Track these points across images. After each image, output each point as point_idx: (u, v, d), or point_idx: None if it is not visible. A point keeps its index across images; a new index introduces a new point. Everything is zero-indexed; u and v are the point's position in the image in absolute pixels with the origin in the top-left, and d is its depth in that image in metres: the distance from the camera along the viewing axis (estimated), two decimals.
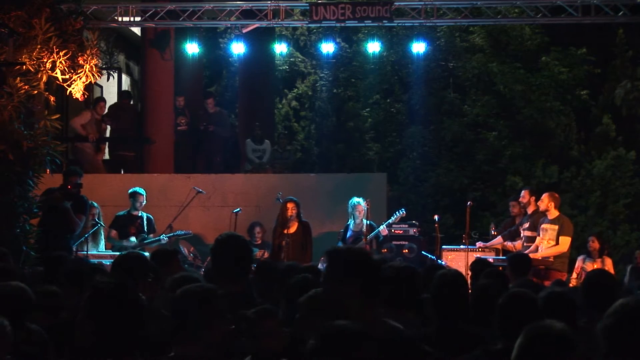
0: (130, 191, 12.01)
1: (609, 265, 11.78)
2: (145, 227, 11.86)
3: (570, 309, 4.58)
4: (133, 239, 11.73)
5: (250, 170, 14.89)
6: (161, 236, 11.71)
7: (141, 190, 11.97)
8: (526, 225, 11.30)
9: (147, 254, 6.94)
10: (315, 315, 3.93)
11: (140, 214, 11.93)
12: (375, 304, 3.50)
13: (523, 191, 11.69)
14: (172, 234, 11.84)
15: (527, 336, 2.91)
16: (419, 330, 4.22)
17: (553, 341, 2.88)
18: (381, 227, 11.60)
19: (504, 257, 11.40)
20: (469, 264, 11.15)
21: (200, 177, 13.81)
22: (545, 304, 4.48)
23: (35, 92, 10.56)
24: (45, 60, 10.54)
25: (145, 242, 11.66)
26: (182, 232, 11.96)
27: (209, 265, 10.19)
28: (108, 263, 9.45)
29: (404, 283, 4.38)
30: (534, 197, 11.35)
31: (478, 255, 11.17)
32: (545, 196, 10.97)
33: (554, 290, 4.74)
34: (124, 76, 17.86)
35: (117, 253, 10.59)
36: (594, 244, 11.83)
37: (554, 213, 10.87)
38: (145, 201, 11.97)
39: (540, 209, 10.98)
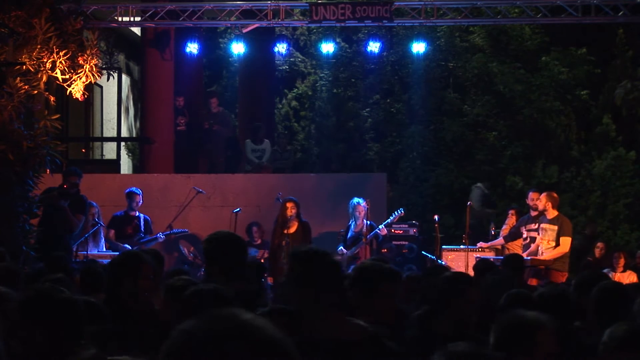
0: (126, 191, 11.98)
1: (631, 278, 11.72)
2: (143, 228, 11.83)
3: (565, 308, 4.57)
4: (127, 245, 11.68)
5: (250, 170, 14.87)
6: (157, 234, 11.72)
7: (137, 190, 11.92)
8: (531, 226, 11.25)
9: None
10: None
11: (137, 215, 11.89)
12: (331, 306, 3.49)
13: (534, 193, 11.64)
14: (169, 232, 11.83)
15: None
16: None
17: None
18: (380, 226, 11.59)
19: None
20: (468, 263, 11.21)
21: (200, 177, 13.80)
22: (540, 303, 4.47)
23: (35, 92, 10.57)
24: (45, 60, 10.55)
25: (141, 241, 11.63)
26: (179, 230, 11.95)
27: None
28: (107, 263, 9.43)
29: None
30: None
31: (478, 255, 11.15)
32: (543, 196, 10.93)
33: (548, 289, 4.72)
34: (124, 76, 17.85)
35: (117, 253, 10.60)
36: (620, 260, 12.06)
37: (552, 213, 10.83)
38: (141, 201, 11.93)
39: (539, 209, 10.96)
